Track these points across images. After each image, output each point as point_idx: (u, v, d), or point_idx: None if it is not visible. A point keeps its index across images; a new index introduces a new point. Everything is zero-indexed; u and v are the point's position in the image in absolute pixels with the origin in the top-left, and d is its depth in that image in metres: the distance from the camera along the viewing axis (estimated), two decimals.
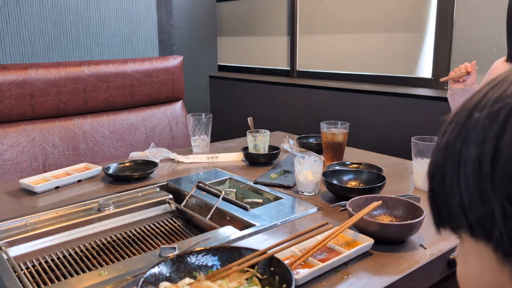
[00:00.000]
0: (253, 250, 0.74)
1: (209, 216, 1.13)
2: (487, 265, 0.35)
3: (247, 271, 0.71)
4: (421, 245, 0.95)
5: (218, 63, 4.01)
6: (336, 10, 3.12)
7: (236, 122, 3.72)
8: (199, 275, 0.71)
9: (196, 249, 0.74)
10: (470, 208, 0.34)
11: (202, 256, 0.74)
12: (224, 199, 1.19)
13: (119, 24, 2.54)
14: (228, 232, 1.02)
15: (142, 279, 0.67)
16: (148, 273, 0.69)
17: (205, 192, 1.26)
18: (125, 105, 2.22)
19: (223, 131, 3.78)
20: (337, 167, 1.39)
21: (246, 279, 0.70)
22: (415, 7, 2.72)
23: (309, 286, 0.79)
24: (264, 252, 0.73)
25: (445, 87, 2.64)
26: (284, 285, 0.66)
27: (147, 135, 2.28)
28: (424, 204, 1.16)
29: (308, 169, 1.21)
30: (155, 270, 0.70)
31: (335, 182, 1.21)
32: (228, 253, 0.74)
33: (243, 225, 1.08)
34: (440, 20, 2.58)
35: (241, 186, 1.35)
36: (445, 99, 2.45)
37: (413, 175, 1.32)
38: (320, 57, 3.34)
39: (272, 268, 0.70)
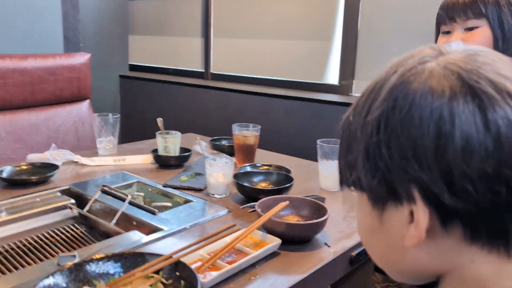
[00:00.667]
0: (157, 255, 0.71)
1: (114, 221, 1.08)
2: (365, 212, 0.46)
3: (152, 277, 0.69)
4: (325, 244, 0.98)
5: (130, 63, 3.87)
6: (249, 14, 3.17)
7: (148, 123, 3.61)
8: (99, 283, 0.67)
9: (96, 256, 0.70)
10: (353, 166, 0.44)
11: (103, 263, 0.70)
12: (130, 203, 1.14)
13: (17, 16, 2.35)
14: (134, 237, 0.98)
15: None
16: (41, 284, 0.63)
17: (110, 196, 1.20)
18: (24, 104, 2.06)
19: (134, 133, 3.65)
20: (248, 169, 1.40)
21: (151, 285, 0.68)
22: (323, 16, 2.85)
23: None
24: (170, 256, 0.71)
25: (350, 93, 2.80)
26: None
27: (50, 136, 2.13)
28: (329, 204, 1.21)
29: (219, 171, 1.20)
30: (49, 280, 0.65)
31: (245, 183, 1.22)
32: (131, 259, 0.71)
33: (150, 229, 1.05)
34: (346, 29, 2.73)
35: (150, 189, 1.31)
36: (349, 104, 2.60)
37: (319, 176, 1.37)
38: (234, 60, 3.36)
39: (177, 273, 0.69)
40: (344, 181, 0.47)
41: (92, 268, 0.69)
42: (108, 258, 0.71)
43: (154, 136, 1.95)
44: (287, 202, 0.99)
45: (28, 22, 2.49)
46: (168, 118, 3.35)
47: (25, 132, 2.03)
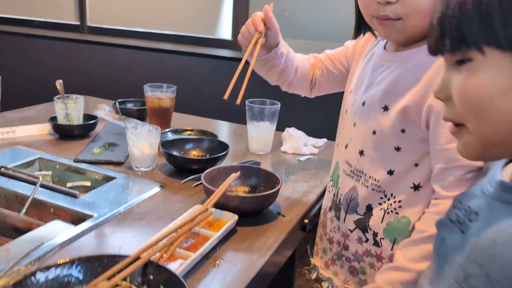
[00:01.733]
0: (120, 257, 0.57)
1: (24, 210, 0.88)
2: (500, 73, 0.45)
3: (118, 285, 0.55)
4: (279, 213, 0.92)
5: None
6: None
7: (18, 85, 3.13)
8: None
9: (42, 267, 0.54)
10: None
11: (52, 274, 0.54)
12: (42, 186, 0.94)
13: None
14: (59, 230, 0.80)
15: None
16: None
17: (11, 180, 0.97)
18: None
19: (7, 97, 3.13)
20: (170, 135, 1.26)
21: None
22: None
23: None
24: (137, 257, 0.57)
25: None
26: None
27: None
28: (264, 168, 1.14)
29: (144, 141, 1.05)
30: None
31: (174, 153, 1.09)
32: (87, 266, 0.56)
33: (74, 217, 0.87)
34: None
35: (57, 166, 1.10)
36: (246, 62, 2.53)
37: (247, 139, 1.30)
38: (115, 12, 3.03)
39: (151, 277, 0.56)
40: (468, 38, 0.45)
41: (39, 280, 0.53)
42: (56, 267, 0.55)
43: (35, 101, 1.67)
44: (238, 173, 0.90)
45: None
46: (45, 77, 2.93)
47: None
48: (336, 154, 0.92)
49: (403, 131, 0.75)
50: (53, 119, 1.27)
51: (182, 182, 1.00)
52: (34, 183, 0.93)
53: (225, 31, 2.77)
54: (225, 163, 1.13)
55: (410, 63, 0.75)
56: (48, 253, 0.72)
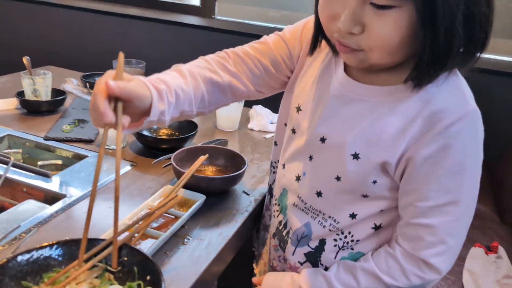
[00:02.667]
0: (96, 240, 0.62)
1: None
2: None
3: (95, 266, 0.60)
4: (244, 192, 0.99)
5: None
6: None
7: None
8: (33, 285, 0.57)
9: (20, 252, 0.58)
10: None
11: (32, 257, 0.59)
12: (13, 165, 0.96)
13: None
14: (33, 209, 0.84)
15: None
16: None
17: None
18: None
19: None
20: None
21: (96, 277, 0.60)
22: None
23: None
24: (111, 242, 0.62)
25: (212, 16, 2.69)
26: (147, 277, 0.59)
27: None
28: (231, 146, 1.20)
29: None
30: None
31: (145, 132, 1.13)
32: (65, 249, 0.61)
33: (47, 196, 0.91)
34: None
35: (27, 143, 1.12)
36: (215, 30, 2.51)
37: (216, 117, 1.34)
38: None
39: (125, 258, 0.61)
40: None
41: (20, 263, 0.58)
42: (36, 250, 0.59)
43: (5, 70, 1.64)
44: (206, 156, 0.95)
45: None
46: (16, 42, 2.82)
47: None
48: (279, 176, 0.83)
49: (374, 182, 0.68)
50: (20, 94, 1.27)
51: (152, 162, 1.05)
52: (5, 163, 0.95)
53: None
54: (194, 141, 1.18)
55: (387, 106, 0.65)
56: (24, 233, 0.76)
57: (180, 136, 1.14)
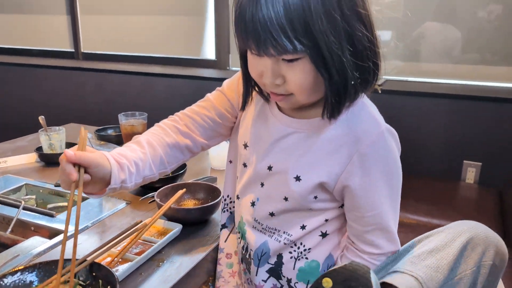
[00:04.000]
0: (70, 260, 0.76)
1: (9, 229, 1.07)
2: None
3: (68, 281, 0.74)
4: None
5: None
6: None
7: (19, 115, 3.35)
8: None
9: (9, 271, 0.73)
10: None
11: (18, 277, 0.73)
12: (24, 208, 1.13)
13: None
14: (36, 244, 0.99)
15: None
16: None
17: (0, 204, 1.17)
18: None
19: (3, 127, 3.36)
20: None
21: None
22: None
23: (129, 279, 0.85)
24: (84, 260, 0.76)
25: (227, 68, 2.90)
26: (108, 287, 0.71)
27: None
28: (221, 183, 1.32)
29: None
30: None
31: None
32: (45, 268, 0.75)
33: (51, 233, 1.06)
34: (218, 3, 2.80)
35: (41, 190, 1.29)
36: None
37: (209, 156, 1.48)
38: (106, 38, 3.24)
39: (94, 273, 0.74)
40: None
41: (7, 282, 0.72)
42: (21, 271, 0.73)
43: (30, 130, 1.87)
44: (184, 190, 1.08)
45: None
46: (40, 106, 3.16)
47: None
48: (236, 207, 0.95)
49: (315, 197, 0.81)
50: (39, 149, 1.47)
51: (140, 199, 1.19)
52: (18, 207, 1.12)
53: (209, 51, 2.96)
54: (186, 179, 1.32)
55: (320, 134, 0.78)
56: (23, 263, 0.91)
57: (171, 175, 1.28)
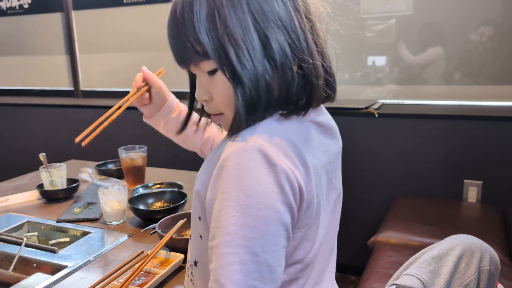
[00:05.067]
0: None
1: (12, 267, 1.06)
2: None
3: None
4: None
5: None
6: (114, 29, 3.14)
7: (19, 154, 3.37)
8: None
9: None
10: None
11: None
12: (26, 245, 1.13)
13: None
14: (39, 280, 0.99)
15: None
16: None
17: (1, 243, 1.17)
18: None
19: (4, 167, 3.38)
20: (141, 190, 1.45)
21: None
22: None
23: None
24: None
25: None
26: None
27: None
28: None
29: (114, 199, 1.24)
30: None
31: (141, 207, 1.28)
32: None
33: (53, 269, 1.06)
34: None
35: (42, 227, 1.29)
36: None
37: None
38: (104, 75, 3.30)
39: None
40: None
41: None
42: None
43: (31, 168, 1.88)
44: (184, 220, 1.08)
45: None
46: (41, 145, 3.18)
47: None
48: None
49: (199, 218, 0.69)
50: (40, 186, 1.48)
51: (141, 231, 1.19)
52: (20, 244, 1.12)
53: None
54: (185, 209, 1.32)
55: (212, 155, 0.69)
56: None
57: (171, 206, 1.28)
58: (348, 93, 2.55)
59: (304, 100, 0.67)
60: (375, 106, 2.31)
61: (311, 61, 0.64)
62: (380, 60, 2.48)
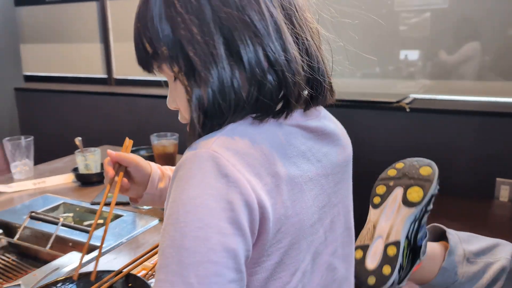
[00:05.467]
0: (109, 272, 0.79)
1: (49, 245, 1.11)
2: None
3: None
4: None
5: (24, 73, 3.68)
6: None
7: (55, 138, 3.49)
8: None
9: (51, 281, 0.76)
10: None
11: (59, 287, 0.77)
12: (62, 225, 1.18)
13: None
14: (74, 258, 1.04)
15: None
16: None
17: (40, 222, 1.22)
18: None
19: (41, 150, 3.50)
20: None
21: None
22: None
23: None
24: (120, 271, 0.79)
25: None
26: None
27: None
28: None
29: None
30: None
31: None
32: (84, 280, 0.78)
33: (88, 248, 1.10)
34: None
35: (77, 209, 1.34)
36: None
37: None
38: (137, 64, 3.35)
39: (130, 284, 0.77)
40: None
41: None
42: (63, 281, 0.77)
43: (66, 152, 1.95)
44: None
45: None
46: (75, 130, 3.27)
47: None
48: None
49: None
50: (75, 169, 1.53)
51: None
52: (56, 223, 1.17)
53: None
54: None
55: None
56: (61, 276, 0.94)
57: None
58: (379, 87, 2.53)
59: (281, 101, 0.56)
60: (407, 101, 2.27)
61: (283, 56, 0.54)
62: (413, 54, 2.44)
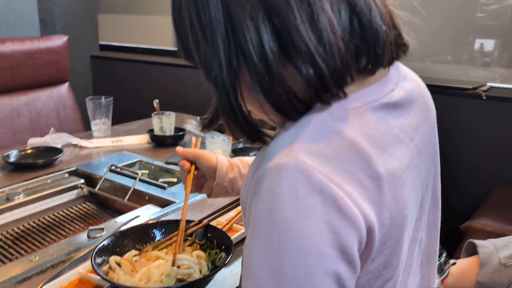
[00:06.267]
0: (189, 221, 0.83)
1: (127, 197, 1.18)
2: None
3: (186, 239, 0.80)
4: None
5: (100, 42, 3.86)
6: None
7: (124, 104, 3.64)
8: (146, 247, 0.78)
9: (136, 225, 0.81)
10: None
11: (144, 230, 0.81)
12: (140, 180, 1.24)
13: None
14: (151, 210, 1.09)
15: (93, 255, 0.72)
16: (97, 248, 0.74)
17: (119, 175, 1.29)
18: (4, 89, 2.07)
19: (119, 113, 3.67)
20: (242, 145, 1.51)
21: (188, 245, 0.80)
22: None
23: (239, 247, 0.91)
24: (200, 221, 0.82)
25: None
26: (223, 247, 0.77)
27: (32, 120, 2.17)
28: None
29: (219, 148, 1.32)
30: (103, 243, 0.76)
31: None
32: (166, 226, 0.83)
33: (162, 203, 1.15)
34: None
35: (152, 167, 1.40)
36: None
37: None
38: None
39: (209, 234, 0.81)
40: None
41: (135, 230, 0.80)
42: (148, 225, 0.82)
43: (137, 117, 2.03)
44: None
45: (2, 5, 2.46)
46: (145, 98, 3.40)
47: (7, 116, 2.06)
48: None
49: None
50: (151, 131, 1.60)
51: None
52: (134, 178, 1.23)
53: None
54: None
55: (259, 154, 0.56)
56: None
57: None
58: (452, 74, 2.42)
59: (334, 70, 0.46)
60: (483, 88, 2.16)
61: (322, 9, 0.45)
62: (490, 43, 2.30)
